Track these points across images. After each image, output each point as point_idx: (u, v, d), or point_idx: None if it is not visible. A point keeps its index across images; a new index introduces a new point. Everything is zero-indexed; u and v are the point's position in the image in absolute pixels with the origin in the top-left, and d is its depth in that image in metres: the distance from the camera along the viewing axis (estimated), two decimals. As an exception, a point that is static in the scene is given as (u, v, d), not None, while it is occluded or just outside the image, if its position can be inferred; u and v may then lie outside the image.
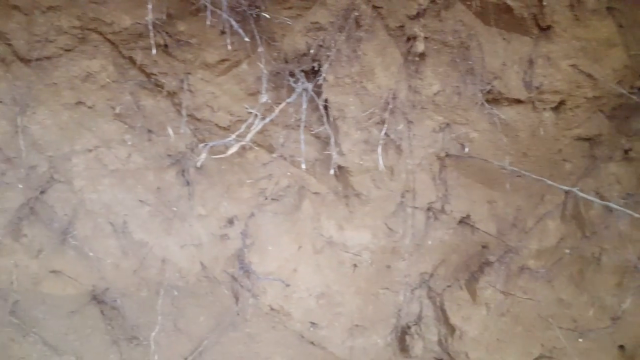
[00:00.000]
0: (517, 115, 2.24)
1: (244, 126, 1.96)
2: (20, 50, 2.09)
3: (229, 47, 1.99)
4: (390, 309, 2.63)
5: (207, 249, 2.69)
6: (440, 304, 2.61)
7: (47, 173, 2.37)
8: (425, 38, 2.01)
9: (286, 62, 2.27)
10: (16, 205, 2.32)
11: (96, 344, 2.36)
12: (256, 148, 2.59)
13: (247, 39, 1.87)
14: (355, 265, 2.56)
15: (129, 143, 2.47)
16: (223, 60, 2.26)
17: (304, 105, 2.10)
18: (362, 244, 2.52)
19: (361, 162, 2.36)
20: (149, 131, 2.48)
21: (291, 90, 2.29)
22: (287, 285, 2.55)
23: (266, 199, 2.72)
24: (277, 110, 2.00)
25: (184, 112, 2.28)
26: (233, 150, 1.92)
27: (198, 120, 2.45)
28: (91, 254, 2.45)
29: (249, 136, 1.90)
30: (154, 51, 1.86)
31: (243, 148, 2.59)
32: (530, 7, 1.96)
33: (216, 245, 2.71)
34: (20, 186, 2.29)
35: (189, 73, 2.28)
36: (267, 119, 1.97)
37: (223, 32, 2.18)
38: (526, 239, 2.47)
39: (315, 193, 2.61)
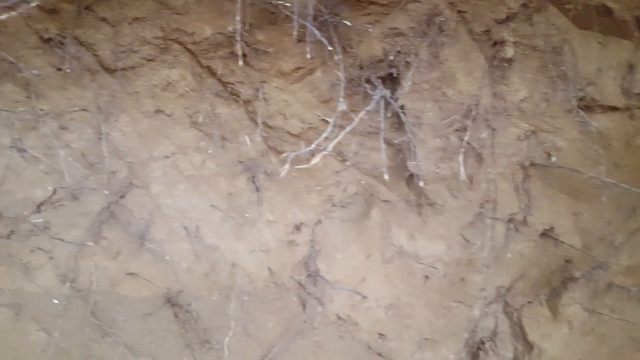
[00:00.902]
0: (611, 123, 2.09)
1: (323, 135, 1.94)
2: (105, 60, 2.17)
3: (309, 56, 1.97)
4: (462, 323, 2.54)
5: (274, 254, 2.70)
6: (517, 319, 2.49)
7: (126, 178, 2.45)
8: (514, 43, 1.91)
9: (361, 68, 2.23)
10: (97, 209, 2.42)
11: (170, 347, 2.42)
12: (326, 155, 2.56)
13: (329, 48, 1.84)
14: (426, 277, 2.48)
15: (204, 150, 2.52)
16: (298, 68, 2.25)
17: (382, 113, 2.05)
18: (435, 254, 2.44)
19: (437, 170, 2.28)
20: (223, 138, 2.51)
21: (366, 97, 2.25)
22: (355, 295, 2.51)
23: (334, 205, 2.70)
24: (357, 119, 1.96)
25: (259, 120, 2.29)
26: (316, 160, 1.89)
27: (270, 127, 2.46)
28: (166, 257, 2.51)
29: (330, 146, 1.88)
30: (240, 62, 1.88)
31: (312, 154, 2.58)
32: (633, 10, 1.82)
33: (284, 252, 2.71)
34: (104, 191, 2.38)
35: (264, 81, 2.29)
36: (348, 128, 1.94)
37: (299, 41, 2.18)
38: (615, 255, 2.31)
39: (385, 201, 2.56)
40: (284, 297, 2.61)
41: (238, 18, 1.76)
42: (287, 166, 1.84)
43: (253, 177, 2.62)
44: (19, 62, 1.99)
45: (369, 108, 1.98)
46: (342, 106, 1.93)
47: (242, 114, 2.48)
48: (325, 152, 1.88)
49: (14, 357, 2.25)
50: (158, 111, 2.38)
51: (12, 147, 2.23)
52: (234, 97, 2.39)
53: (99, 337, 2.33)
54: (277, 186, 2.67)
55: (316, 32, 1.81)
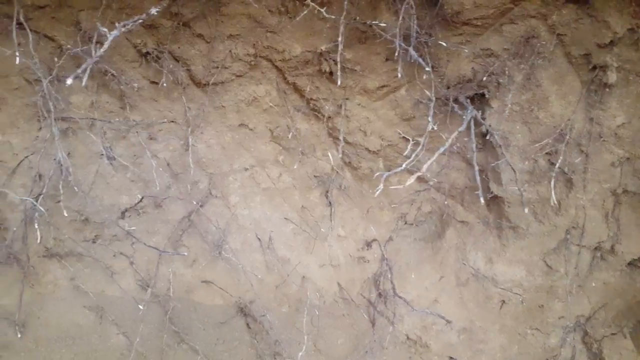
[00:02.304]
0: None
1: (413, 155, 1.94)
2: (197, 75, 2.25)
3: (399, 75, 1.99)
4: (537, 351, 2.47)
5: (344, 270, 2.71)
6: (597, 351, 2.41)
7: (206, 189, 2.52)
8: (617, 67, 1.87)
9: (448, 87, 2.23)
10: (179, 217, 2.50)
11: (243, 357, 2.46)
12: (400, 172, 2.57)
13: (428, 68, 1.85)
14: (503, 302, 2.44)
15: (282, 164, 2.57)
16: (383, 86, 2.27)
17: (472, 134, 2.04)
18: (514, 279, 2.39)
19: (523, 194, 2.24)
20: (301, 153, 2.56)
21: (452, 116, 2.24)
22: (428, 316, 2.49)
23: (406, 224, 2.70)
24: (449, 139, 1.95)
25: (341, 136, 2.32)
26: (411, 181, 1.90)
27: (348, 143, 2.49)
28: (240, 267, 2.57)
29: (425, 167, 1.88)
30: (339, 82, 1.91)
31: (388, 171, 2.59)
32: None
33: (353, 268, 2.73)
34: (186, 200, 2.46)
35: (347, 98, 2.33)
36: (442, 149, 1.93)
37: (387, 59, 2.20)
38: None
39: (462, 222, 2.53)
40: (353, 313, 2.62)
41: (341, 38, 1.79)
42: (381, 186, 1.85)
43: (327, 191, 2.65)
44: (120, 75, 2.09)
45: (461, 129, 1.98)
46: (430, 126, 1.93)
47: (321, 129, 2.52)
48: (419, 174, 1.87)
49: (96, 359, 2.34)
50: (242, 125, 2.45)
51: (102, 155, 2.33)
52: (315, 113, 2.43)
53: (175, 344, 2.40)
54: (350, 202, 2.69)
55: (413, 52, 1.83)
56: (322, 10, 1.92)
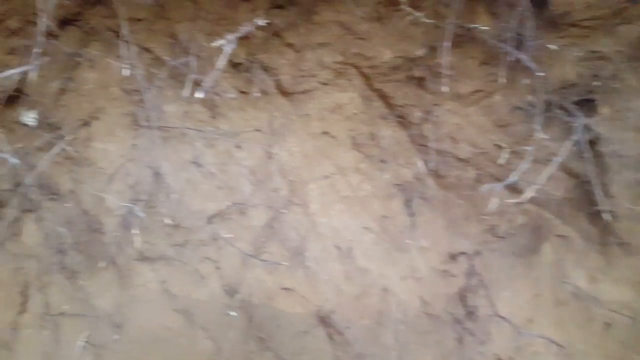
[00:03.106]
0: None
1: (524, 165, 1.81)
2: (284, 84, 2.27)
3: (502, 80, 1.89)
4: (648, 381, 2.24)
5: (427, 283, 2.62)
6: None
7: (287, 196, 2.54)
8: None
9: (550, 92, 2.08)
10: (261, 224, 2.53)
11: (325, 368, 2.44)
12: (491, 180, 2.45)
13: (540, 73, 1.74)
14: (608, 324, 2.23)
15: (362, 171, 2.53)
16: (476, 91, 2.17)
17: (583, 142, 1.89)
18: (621, 301, 2.19)
19: (633, 207, 2.04)
20: (381, 161, 2.51)
21: (555, 123, 2.10)
22: (521, 336, 2.34)
23: (496, 236, 2.56)
24: (561, 152, 1.81)
25: (432, 144, 2.25)
26: (528, 195, 1.78)
27: (435, 151, 2.40)
28: (319, 275, 2.55)
29: (542, 178, 1.75)
30: (446, 89, 1.84)
31: (477, 180, 2.48)
32: None
33: (437, 281, 2.62)
34: (268, 207, 2.49)
35: (436, 104, 2.24)
36: (557, 159, 1.78)
37: (483, 63, 2.10)
38: None
39: (560, 236, 2.36)
40: (438, 330, 2.52)
41: (447, 44, 1.72)
42: (495, 201, 1.75)
43: (409, 200, 2.58)
44: (216, 86, 2.15)
45: (575, 138, 1.83)
46: (540, 134, 1.80)
47: (405, 136, 2.45)
48: (537, 186, 1.75)
49: (183, 361, 2.42)
50: (324, 133, 2.44)
51: (192, 162, 2.42)
52: (400, 119, 2.37)
53: (260, 351, 2.42)
54: (433, 212, 2.59)
55: (523, 56, 1.72)
56: (419, 14, 1.86)
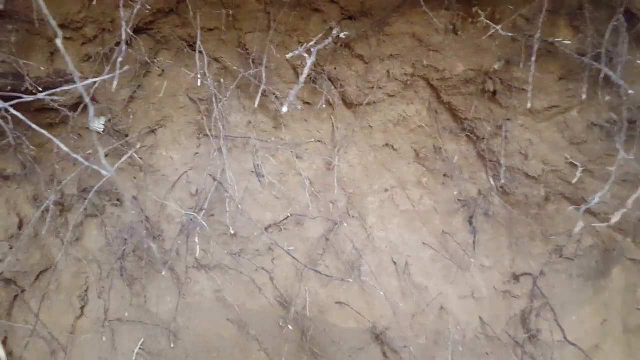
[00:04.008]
0: None
1: (606, 186, 1.74)
2: (350, 96, 2.24)
3: (584, 96, 1.81)
4: None
5: (487, 304, 2.54)
6: None
7: (344, 208, 2.50)
8: None
9: (631, 110, 2.00)
10: (317, 236, 2.50)
11: (381, 387, 2.38)
12: (561, 199, 2.36)
13: (631, 91, 1.66)
14: (686, 357, 2.11)
15: (424, 186, 2.48)
16: (552, 106, 2.10)
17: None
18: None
19: None
20: (445, 175, 2.45)
21: (632, 142, 2.01)
22: (589, 363, 2.23)
23: (561, 257, 2.47)
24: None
25: (502, 160, 2.18)
26: (616, 219, 1.71)
27: (504, 167, 2.33)
28: (374, 291, 2.50)
29: (630, 202, 1.68)
30: (529, 105, 1.80)
31: (546, 199, 2.39)
32: None
33: (498, 302, 2.54)
34: (324, 219, 2.46)
35: (508, 119, 2.18)
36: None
37: (561, 79, 2.03)
38: None
39: (633, 260, 2.26)
40: (498, 352, 2.43)
41: (533, 59, 1.67)
42: (581, 223, 1.68)
43: (471, 217, 2.51)
44: (281, 96, 2.14)
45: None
46: (623, 154, 1.72)
47: (471, 151, 2.39)
48: (624, 210, 1.67)
49: (237, 372, 2.40)
50: (386, 145, 2.40)
51: (252, 172, 2.41)
52: (467, 133, 2.31)
53: (313, 365, 2.39)
54: (496, 229, 2.52)
55: (608, 71, 1.65)
56: (497, 28, 1.81)
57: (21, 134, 1.82)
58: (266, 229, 2.44)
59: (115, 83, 1.36)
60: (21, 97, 1.36)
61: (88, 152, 2.03)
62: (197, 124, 2.28)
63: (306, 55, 1.42)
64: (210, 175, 2.31)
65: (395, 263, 2.52)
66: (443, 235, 2.53)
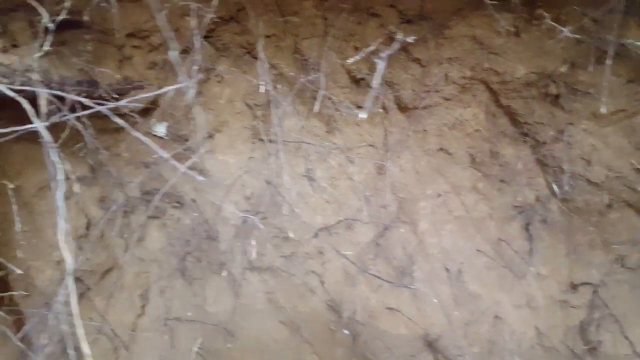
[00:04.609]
0: None
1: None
2: (404, 99, 2.24)
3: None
4: None
5: (544, 313, 2.47)
6: None
7: (394, 213, 2.49)
8: None
9: None
10: (366, 240, 2.51)
11: (434, 396, 2.36)
12: (624, 207, 2.28)
13: None
14: None
15: (479, 191, 2.44)
16: (618, 110, 2.03)
17: None
18: None
19: None
20: (501, 180, 2.40)
21: None
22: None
23: (624, 267, 2.37)
24: None
25: (565, 166, 2.13)
26: None
27: (562, 172, 2.27)
28: (426, 297, 2.48)
29: None
30: (603, 109, 1.74)
31: (609, 206, 2.31)
32: None
33: (555, 312, 2.47)
34: (374, 224, 2.46)
35: (570, 123, 2.12)
36: None
37: (629, 81, 1.96)
38: None
39: None
40: (555, 364, 2.36)
41: (609, 62, 1.62)
42: None
43: (527, 224, 2.45)
44: (336, 99, 2.17)
45: None
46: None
47: (529, 155, 2.34)
48: None
49: (289, 375, 2.43)
50: (440, 149, 2.38)
51: (304, 176, 2.44)
52: (526, 138, 2.27)
53: (363, 372, 2.39)
54: (554, 237, 2.45)
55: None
56: (563, 29, 1.77)
57: (93, 138, 1.92)
58: (316, 232, 2.46)
59: (192, 91, 1.41)
60: (103, 104, 1.44)
61: (155, 155, 2.11)
62: (252, 129, 2.33)
63: (378, 60, 1.43)
64: (266, 180, 2.36)
65: (447, 270, 2.50)
66: (498, 243, 2.48)
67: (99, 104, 1.49)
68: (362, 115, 1.26)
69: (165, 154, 1.20)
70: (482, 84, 2.14)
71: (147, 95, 1.18)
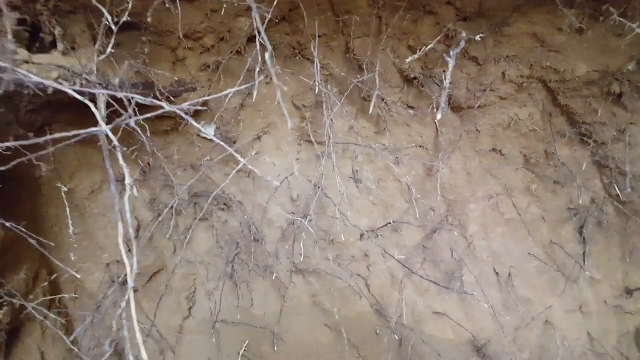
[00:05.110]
0: None
1: None
2: (458, 99, 2.20)
3: None
4: None
5: (596, 318, 2.42)
6: None
7: (443, 215, 2.46)
8: None
9: None
10: (413, 243, 2.48)
11: (483, 402, 2.33)
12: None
13: None
14: None
15: (532, 193, 2.40)
16: (686, 110, 1.96)
17: None
18: None
19: None
20: (555, 182, 2.36)
21: None
22: None
23: (686, 273, 2.31)
24: None
25: (627, 167, 2.07)
26: None
27: (622, 174, 2.21)
28: (474, 301, 2.45)
29: None
30: None
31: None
32: None
33: (608, 317, 2.42)
34: (421, 226, 2.43)
35: (632, 123, 2.07)
36: None
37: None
38: None
39: None
40: (610, 370, 2.32)
41: None
42: None
43: (581, 226, 2.40)
44: (388, 100, 2.14)
45: None
46: None
47: (586, 156, 2.29)
48: None
49: (334, 378, 2.42)
50: (493, 150, 2.34)
51: (350, 177, 2.42)
52: (583, 138, 2.21)
53: (414, 377, 2.37)
54: (608, 240, 2.40)
55: None
56: (634, 25, 1.72)
57: (146, 140, 1.92)
58: (361, 235, 2.44)
59: (255, 93, 1.40)
60: (163, 107, 1.42)
61: (206, 158, 2.11)
62: (299, 130, 2.32)
63: (448, 58, 1.40)
64: (312, 182, 2.34)
65: (497, 274, 2.46)
66: (550, 246, 2.44)
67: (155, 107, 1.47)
68: (439, 116, 1.23)
69: (234, 153, 1.17)
70: (540, 83, 2.09)
71: (212, 97, 1.16)
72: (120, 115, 1.32)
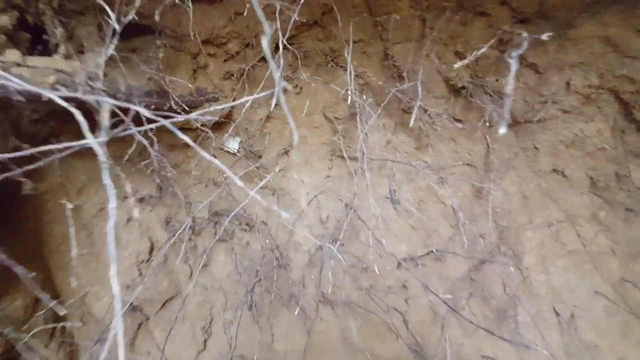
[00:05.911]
0: None
1: None
2: (514, 112, 1.98)
3: None
4: None
5: (682, 372, 2.09)
6: None
7: (494, 244, 2.21)
8: None
9: None
10: (459, 275, 2.24)
11: None
12: None
13: None
14: None
15: (600, 221, 2.12)
16: None
17: None
18: None
19: None
20: (627, 209, 2.07)
21: None
22: None
23: None
24: None
25: None
26: None
27: None
28: (531, 345, 2.17)
29: None
30: None
31: None
32: None
33: (697, 371, 2.09)
34: (468, 256, 2.19)
35: None
36: None
37: None
38: None
39: None
40: None
41: None
42: None
43: (660, 262, 2.09)
44: (432, 111, 1.94)
45: None
46: None
47: (666, 180, 2.00)
48: None
49: None
50: (554, 170, 2.10)
51: (387, 198, 2.21)
52: (664, 159, 1.93)
53: None
54: (695, 279, 2.08)
55: None
56: None
57: (160, 154, 1.79)
58: (398, 263, 2.22)
59: (274, 101, 1.23)
60: (172, 116, 1.28)
61: (235, 172, 1.97)
62: (330, 145, 2.15)
63: (511, 61, 1.20)
64: (343, 202, 2.15)
65: (558, 314, 2.19)
66: (622, 283, 2.14)
67: (166, 117, 1.33)
68: (502, 130, 1.03)
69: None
70: (612, 94, 1.85)
71: (222, 106, 1.01)
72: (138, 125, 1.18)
